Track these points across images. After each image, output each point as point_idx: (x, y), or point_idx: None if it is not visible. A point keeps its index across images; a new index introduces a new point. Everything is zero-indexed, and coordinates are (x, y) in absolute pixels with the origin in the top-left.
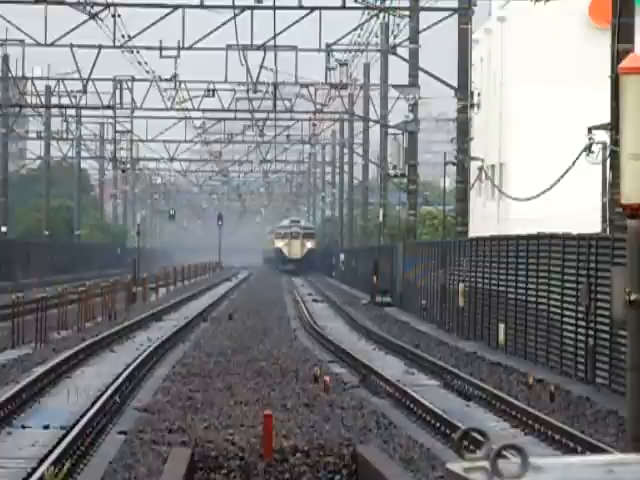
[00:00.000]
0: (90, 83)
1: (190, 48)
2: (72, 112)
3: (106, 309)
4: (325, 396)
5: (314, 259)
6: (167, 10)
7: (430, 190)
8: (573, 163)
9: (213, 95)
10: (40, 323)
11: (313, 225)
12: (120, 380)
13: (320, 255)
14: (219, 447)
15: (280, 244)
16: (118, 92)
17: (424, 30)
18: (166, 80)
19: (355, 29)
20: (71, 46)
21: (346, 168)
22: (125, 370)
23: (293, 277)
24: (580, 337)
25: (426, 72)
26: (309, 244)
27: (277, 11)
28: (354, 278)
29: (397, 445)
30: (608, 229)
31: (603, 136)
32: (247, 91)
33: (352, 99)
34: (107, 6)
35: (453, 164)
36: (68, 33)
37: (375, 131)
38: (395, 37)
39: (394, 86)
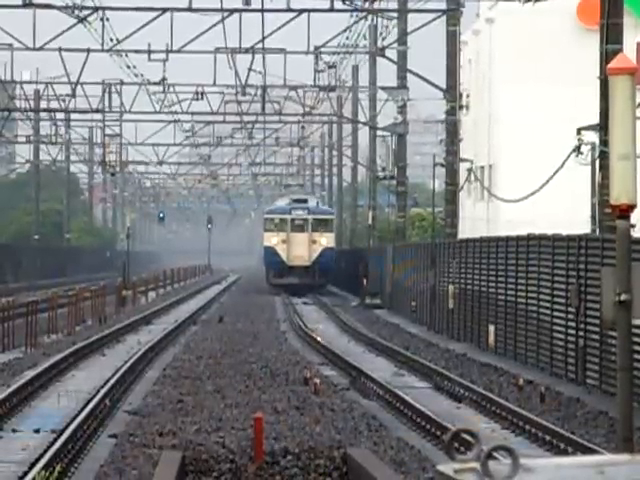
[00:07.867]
0: (79, 87)
1: (178, 51)
2: (61, 116)
3: (96, 313)
4: (315, 398)
5: (332, 265)
6: (155, 13)
7: (419, 192)
8: (562, 164)
9: (202, 98)
10: (30, 327)
11: (330, 208)
12: (110, 383)
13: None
14: (210, 450)
15: (274, 241)
16: (107, 96)
17: (412, 32)
18: (155, 84)
19: (343, 31)
20: (60, 50)
21: (335, 170)
22: (115, 373)
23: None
24: (570, 338)
25: (415, 74)
26: (324, 240)
27: (265, 14)
28: (343, 280)
29: (388, 447)
30: (597, 230)
31: (592, 137)
32: (236, 94)
33: (341, 101)
34: (95, 10)
35: (442, 166)
36: (57, 37)
37: (364, 133)
38: (383, 39)
39: (383, 88)
